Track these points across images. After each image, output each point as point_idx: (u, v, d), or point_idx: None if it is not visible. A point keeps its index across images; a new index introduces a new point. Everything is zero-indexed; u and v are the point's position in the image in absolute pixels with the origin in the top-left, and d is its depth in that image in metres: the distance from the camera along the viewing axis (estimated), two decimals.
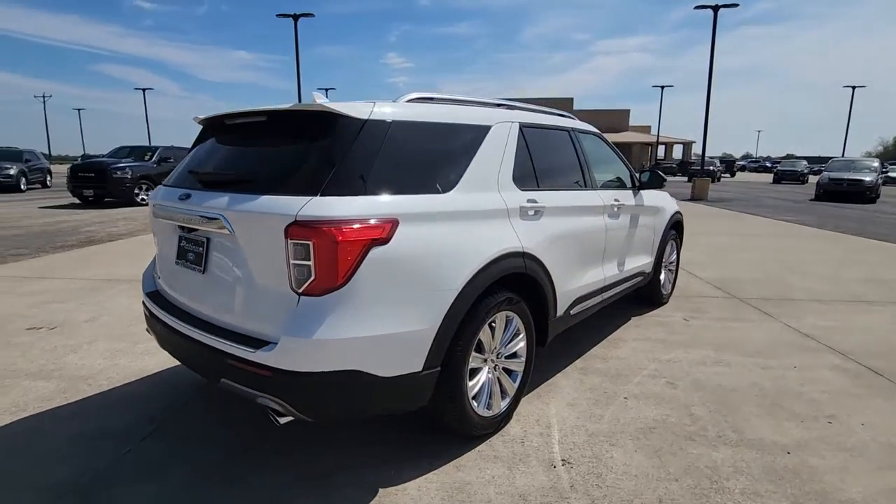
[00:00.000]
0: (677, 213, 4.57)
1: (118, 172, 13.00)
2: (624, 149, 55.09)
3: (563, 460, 2.23)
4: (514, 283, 2.46)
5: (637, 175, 3.89)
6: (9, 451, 2.28)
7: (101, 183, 12.94)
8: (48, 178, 20.62)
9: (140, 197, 13.33)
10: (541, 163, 2.81)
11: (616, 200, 3.42)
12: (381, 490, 2.02)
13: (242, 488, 2.03)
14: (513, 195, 2.46)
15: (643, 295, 4.54)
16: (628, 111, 56.17)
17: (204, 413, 2.65)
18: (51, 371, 3.13)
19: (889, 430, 2.47)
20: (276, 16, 18.46)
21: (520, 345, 2.56)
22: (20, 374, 3.09)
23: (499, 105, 2.77)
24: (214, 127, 2.44)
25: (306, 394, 1.77)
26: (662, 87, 38.08)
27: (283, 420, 1.84)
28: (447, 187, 2.14)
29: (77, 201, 13.54)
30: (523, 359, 2.59)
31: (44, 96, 55.86)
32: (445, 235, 2.04)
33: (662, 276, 4.55)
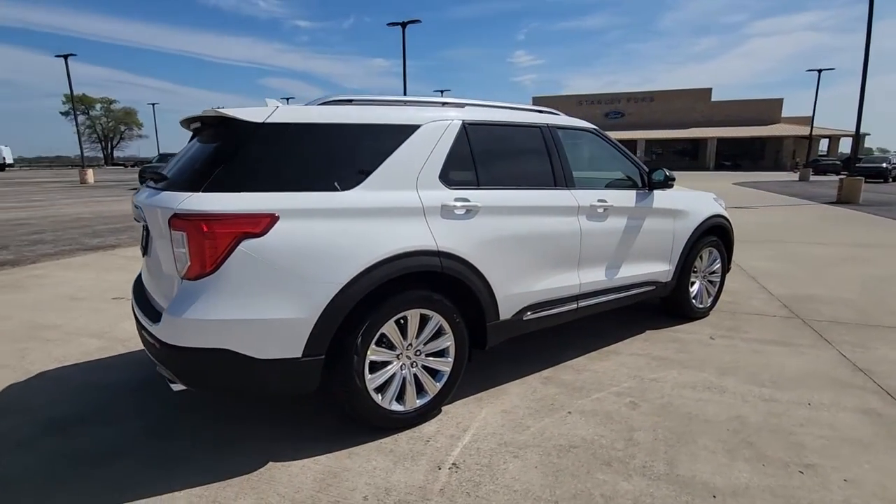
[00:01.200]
0: (715, 216, 4.02)
1: None
2: (774, 143, 48.14)
3: (453, 464, 2.19)
4: (434, 281, 2.46)
5: (647, 175, 3.52)
6: (36, 391, 2.92)
7: None
8: None
9: None
10: (488, 161, 2.74)
11: (601, 201, 3.16)
12: (269, 463, 2.20)
13: (167, 444, 2.35)
14: (435, 193, 2.46)
15: (669, 307, 4.09)
16: (780, 101, 49.11)
17: None
18: (104, 332, 3.86)
19: (877, 493, 1.98)
20: (387, 25, 19.82)
21: (446, 344, 2.54)
22: (84, 332, 3.87)
23: (445, 104, 2.76)
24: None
25: (183, 365, 2.02)
26: (819, 71, 32.36)
27: (175, 387, 2.11)
28: (348, 185, 2.23)
29: None
30: (451, 359, 2.57)
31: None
32: (334, 231, 2.14)
33: (695, 287, 4.05)
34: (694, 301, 4.05)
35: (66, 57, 25.44)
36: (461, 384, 2.91)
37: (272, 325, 2.03)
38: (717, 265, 4.20)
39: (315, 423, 2.53)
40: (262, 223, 2.00)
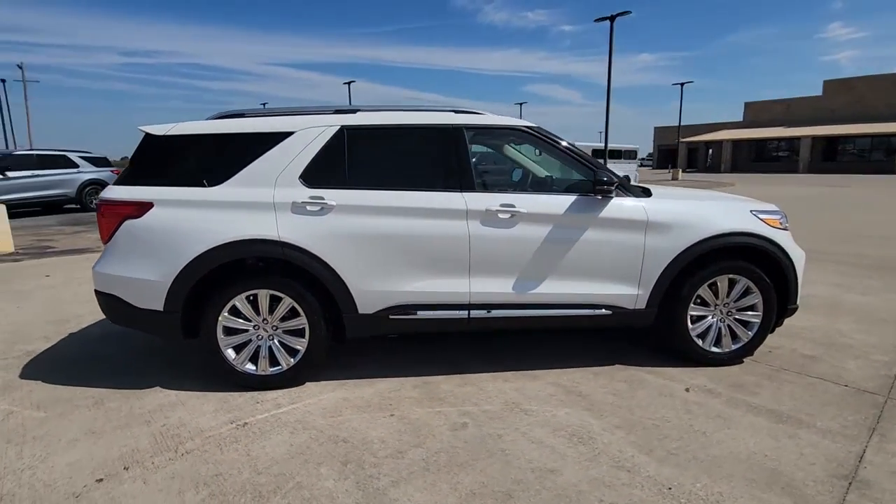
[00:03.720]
0: (739, 234, 3.00)
1: None
2: None
3: (245, 423, 2.55)
4: (287, 268, 2.81)
5: (595, 178, 2.94)
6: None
7: None
8: None
9: None
10: (364, 163, 2.89)
11: (506, 206, 2.87)
12: (156, 387, 2.96)
13: (133, 360, 3.37)
14: (291, 191, 2.79)
15: (663, 343, 3.30)
16: None
17: None
18: None
19: None
20: (594, 21, 18.71)
21: (301, 325, 2.87)
22: None
23: (336, 112, 3.00)
24: None
25: (100, 303, 2.93)
26: None
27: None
28: (215, 182, 2.80)
29: None
30: (306, 340, 2.88)
31: None
32: (193, 218, 2.74)
33: (705, 324, 3.15)
34: (699, 341, 3.15)
35: (348, 84, 32.97)
36: (342, 368, 3.18)
37: (142, 283, 2.77)
38: (753, 300, 3.13)
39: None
40: (140, 209, 2.75)
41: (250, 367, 2.89)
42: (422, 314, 2.92)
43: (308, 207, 2.79)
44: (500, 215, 2.89)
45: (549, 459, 2.21)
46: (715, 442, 2.34)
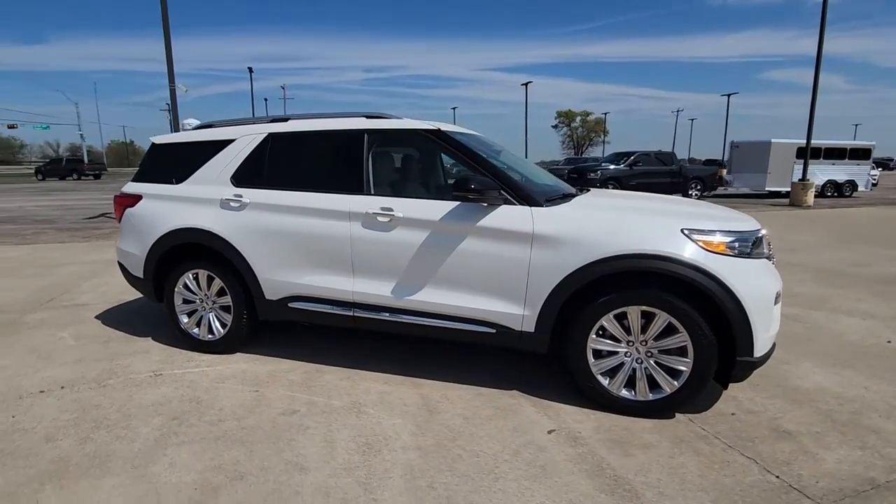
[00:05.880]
0: (654, 258, 2.39)
1: (591, 174, 15.90)
2: None
3: (160, 374, 3.17)
4: (217, 254, 3.35)
5: (473, 184, 2.66)
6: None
7: (579, 182, 16.26)
8: None
9: None
10: (281, 165, 3.24)
11: (385, 210, 2.87)
12: (149, 337, 3.84)
13: (126, 331, 4.38)
14: (222, 189, 3.31)
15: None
16: None
17: None
18: None
19: None
20: None
21: (228, 302, 3.39)
22: None
23: (272, 120, 3.39)
24: None
25: (121, 270, 3.91)
26: None
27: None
28: (180, 180, 3.50)
29: None
30: (231, 316, 3.40)
31: (678, 111, 66.91)
32: (162, 208, 3.48)
33: (613, 362, 2.62)
34: (602, 380, 2.63)
35: (526, 84, 33.30)
36: (273, 346, 3.62)
37: (133, 256, 3.63)
38: (681, 342, 2.47)
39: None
40: (134, 200, 3.62)
41: (196, 331, 3.53)
42: (312, 306, 3.15)
43: (231, 203, 3.27)
44: (379, 218, 2.91)
45: (315, 459, 2.25)
46: (484, 488, 2.03)
